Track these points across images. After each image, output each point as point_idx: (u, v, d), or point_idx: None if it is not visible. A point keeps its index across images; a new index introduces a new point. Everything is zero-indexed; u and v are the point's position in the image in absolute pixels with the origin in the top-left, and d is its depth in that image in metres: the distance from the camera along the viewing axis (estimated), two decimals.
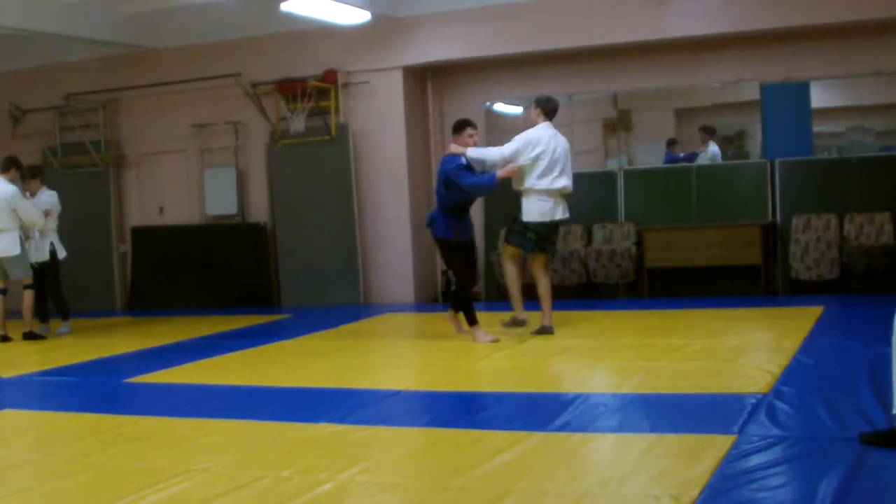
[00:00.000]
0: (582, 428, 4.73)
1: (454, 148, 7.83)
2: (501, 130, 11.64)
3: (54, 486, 4.20)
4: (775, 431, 4.43)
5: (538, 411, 5.22)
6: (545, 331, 7.85)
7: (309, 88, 11.28)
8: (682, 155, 11.09)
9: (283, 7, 10.15)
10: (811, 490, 3.54)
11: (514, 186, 7.76)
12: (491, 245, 11.29)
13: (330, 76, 11.47)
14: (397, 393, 5.95)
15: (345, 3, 10.33)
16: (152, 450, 4.74)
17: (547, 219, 7.70)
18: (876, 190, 10.04)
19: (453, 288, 8.06)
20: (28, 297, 9.49)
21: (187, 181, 12.52)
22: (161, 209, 12.67)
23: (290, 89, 11.48)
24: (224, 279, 12.07)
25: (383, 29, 11.25)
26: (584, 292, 10.63)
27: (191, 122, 12.25)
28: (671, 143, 11.23)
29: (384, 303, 11.37)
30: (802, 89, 10.43)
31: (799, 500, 3.51)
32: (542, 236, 7.77)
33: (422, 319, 10.38)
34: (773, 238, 10.35)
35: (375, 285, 11.62)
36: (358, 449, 4.56)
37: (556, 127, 7.87)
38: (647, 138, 11.47)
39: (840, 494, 3.48)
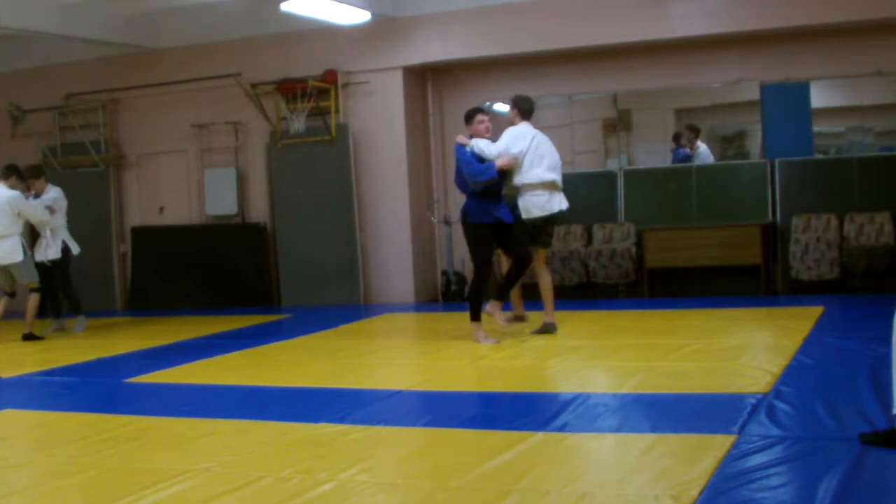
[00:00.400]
0: (582, 428, 4.73)
1: (460, 138, 7.84)
2: (501, 130, 11.66)
3: (54, 486, 4.20)
4: (775, 431, 4.43)
5: (538, 411, 5.22)
6: (547, 329, 7.82)
7: (309, 88, 11.28)
8: (687, 150, 11.08)
9: (283, 7, 10.15)
10: (811, 490, 3.54)
11: (506, 188, 7.78)
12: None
13: (330, 76, 11.47)
14: (397, 393, 5.94)
15: (345, 3, 10.33)
16: (152, 450, 4.74)
17: (546, 212, 7.72)
18: (876, 190, 10.05)
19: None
20: (33, 299, 9.49)
21: (187, 181, 12.52)
22: (161, 209, 12.67)
23: (290, 89, 11.47)
24: (224, 279, 12.07)
25: (383, 29, 11.25)
26: (584, 292, 10.63)
27: (191, 122, 12.25)
28: (677, 138, 11.22)
29: (384, 303, 11.37)
30: (802, 89, 10.43)
31: (799, 500, 3.51)
32: (539, 229, 7.79)
33: (422, 319, 10.39)
34: (773, 238, 10.35)
35: (375, 285, 11.62)
36: (358, 449, 4.56)
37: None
38: (647, 138, 11.48)
39: (840, 494, 3.48)
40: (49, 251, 9.75)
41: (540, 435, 4.59)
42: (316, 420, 5.12)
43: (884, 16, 9.64)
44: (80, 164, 12.59)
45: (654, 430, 4.58)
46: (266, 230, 12.07)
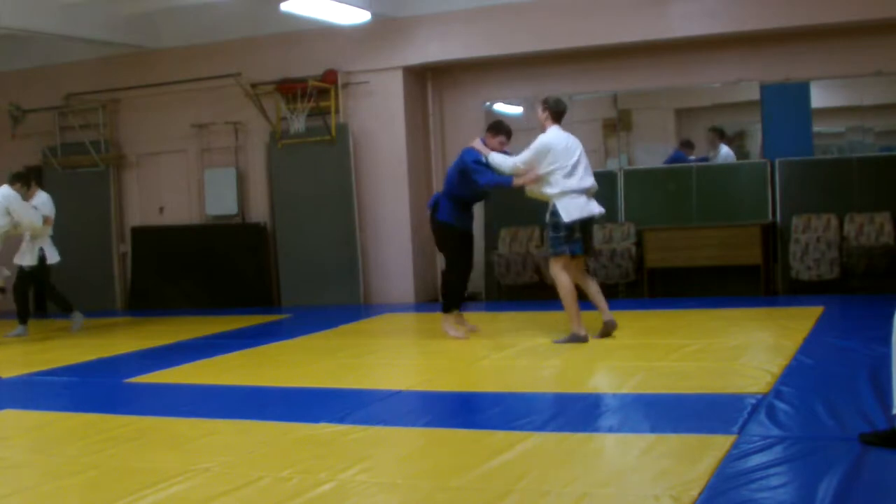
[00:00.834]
0: (582, 428, 4.73)
1: (478, 146, 7.70)
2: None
3: (54, 486, 4.20)
4: (775, 431, 4.43)
5: (538, 411, 5.22)
6: (611, 326, 7.56)
7: (309, 88, 11.28)
8: (692, 158, 11.04)
9: (283, 7, 10.15)
10: (811, 490, 3.54)
11: (528, 192, 7.64)
12: (491, 245, 11.29)
13: (330, 76, 11.47)
14: (397, 393, 5.94)
15: (345, 3, 10.33)
16: (152, 450, 4.74)
17: (586, 213, 7.45)
18: (876, 190, 10.04)
19: (442, 273, 8.04)
20: None
21: (187, 181, 12.52)
22: (161, 209, 12.67)
23: (290, 89, 11.47)
24: (224, 279, 12.07)
25: (383, 29, 11.25)
26: (582, 293, 10.60)
27: (191, 122, 12.25)
28: (685, 145, 11.15)
29: (384, 303, 11.37)
30: (802, 89, 10.43)
31: (799, 500, 3.51)
32: (585, 233, 7.54)
33: (422, 319, 10.38)
34: (773, 238, 10.35)
35: (375, 285, 11.62)
36: (358, 449, 4.56)
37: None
38: (647, 138, 11.48)
39: (840, 494, 3.48)
40: (25, 257, 9.70)
41: (540, 435, 4.59)
42: (316, 420, 5.12)
43: (884, 16, 9.64)
44: (80, 164, 12.59)
45: (654, 430, 4.58)
46: (266, 230, 12.07)
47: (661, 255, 10.42)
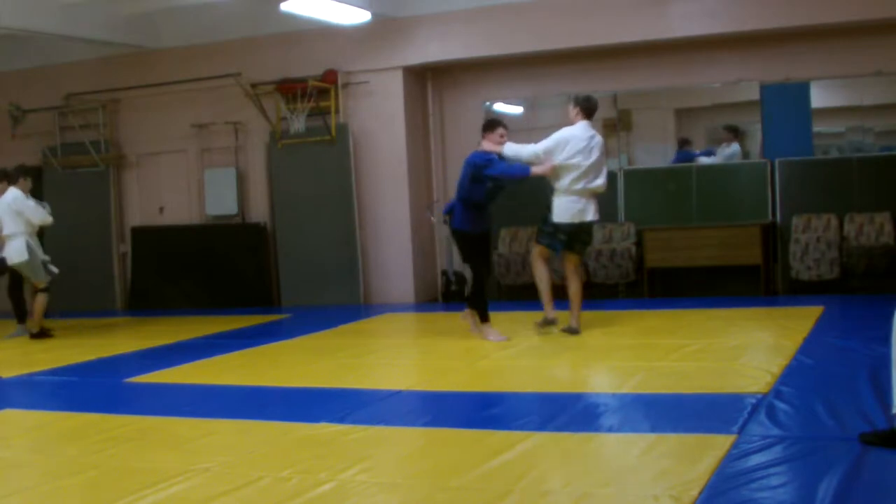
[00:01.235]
0: (582, 428, 4.74)
1: (487, 146, 7.69)
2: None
3: (54, 486, 4.20)
4: (775, 431, 4.43)
5: (538, 411, 5.22)
6: (571, 331, 7.75)
7: (309, 88, 11.28)
8: (697, 152, 11.05)
9: (283, 7, 10.15)
10: (811, 490, 3.54)
11: (552, 183, 7.68)
12: (490, 245, 11.28)
13: (330, 76, 11.47)
14: (397, 393, 5.95)
15: (345, 3, 10.33)
16: (152, 450, 4.74)
17: (577, 220, 7.60)
18: (876, 190, 10.04)
19: (469, 286, 8.03)
20: (41, 298, 9.49)
21: (187, 181, 12.52)
22: (161, 209, 12.67)
23: (290, 89, 11.47)
24: (224, 279, 12.07)
25: (383, 29, 11.25)
26: (584, 292, 10.54)
27: (191, 122, 12.25)
28: (685, 143, 11.17)
29: (384, 303, 11.37)
30: (802, 89, 10.43)
31: (799, 500, 3.51)
32: (572, 237, 7.70)
33: (422, 319, 10.39)
34: (773, 238, 10.35)
35: (375, 285, 11.62)
36: (358, 449, 4.56)
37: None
38: (647, 138, 11.47)
39: (840, 494, 3.48)
40: (15, 254, 9.59)
41: (540, 435, 4.59)
42: (316, 420, 5.12)
43: (884, 16, 9.64)
44: (80, 164, 12.59)
45: (654, 430, 4.58)
46: (266, 230, 12.07)
47: (661, 255, 10.42)
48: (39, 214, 9.53)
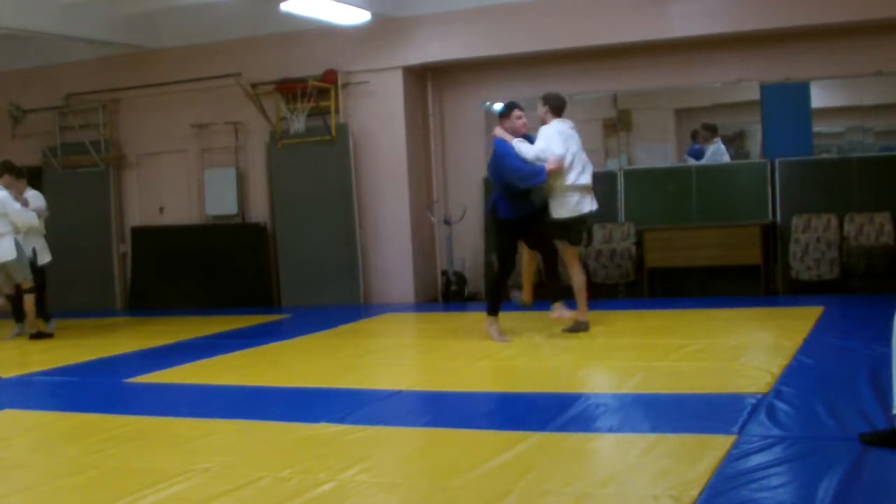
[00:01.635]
0: (582, 428, 4.74)
1: (499, 132, 7.61)
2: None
3: (54, 486, 4.20)
4: (775, 431, 4.43)
5: (538, 411, 5.21)
6: (579, 327, 7.71)
7: (309, 88, 11.28)
8: (697, 146, 11.05)
9: (283, 7, 10.15)
10: (811, 490, 3.54)
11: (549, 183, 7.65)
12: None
13: (330, 76, 11.47)
14: (397, 393, 5.95)
15: (345, 3, 10.33)
16: (152, 450, 4.74)
17: (576, 213, 7.60)
18: (876, 190, 10.04)
19: (493, 273, 7.98)
20: (28, 300, 9.46)
21: (187, 181, 12.52)
22: (161, 209, 12.67)
23: (290, 89, 11.47)
24: (224, 279, 12.07)
25: (383, 29, 11.25)
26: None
27: (191, 122, 12.25)
28: (695, 135, 11.14)
29: (384, 303, 11.37)
30: (802, 89, 10.43)
31: (799, 500, 3.51)
32: (568, 227, 7.68)
33: (422, 319, 10.39)
34: (773, 238, 10.35)
35: (375, 285, 11.62)
36: (358, 449, 4.56)
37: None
38: (647, 138, 11.47)
39: (840, 494, 3.48)
40: (6, 252, 9.58)
41: (540, 435, 4.59)
42: (316, 420, 5.12)
43: (884, 16, 9.64)
44: (80, 164, 12.59)
45: (654, 430, 4.58)
46: (266, 230, 12.07)
47: (661, 255, 10.42)
48: (24, 218, 9.41)
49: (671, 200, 10.81)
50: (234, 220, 12.23)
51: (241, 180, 12.20)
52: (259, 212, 12.17)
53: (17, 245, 9.31)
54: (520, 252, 7.95)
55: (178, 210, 12.59)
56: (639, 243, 10.58)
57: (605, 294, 10.66)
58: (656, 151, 11.29)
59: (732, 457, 4.02)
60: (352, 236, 11.47)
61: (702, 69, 10.78)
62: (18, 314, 9.75)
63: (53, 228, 10.29)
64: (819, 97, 10.47)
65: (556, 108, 7.67)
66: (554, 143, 7.50)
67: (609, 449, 4.44)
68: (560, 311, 7.68)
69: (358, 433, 4.83)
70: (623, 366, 6.48)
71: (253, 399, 6.09)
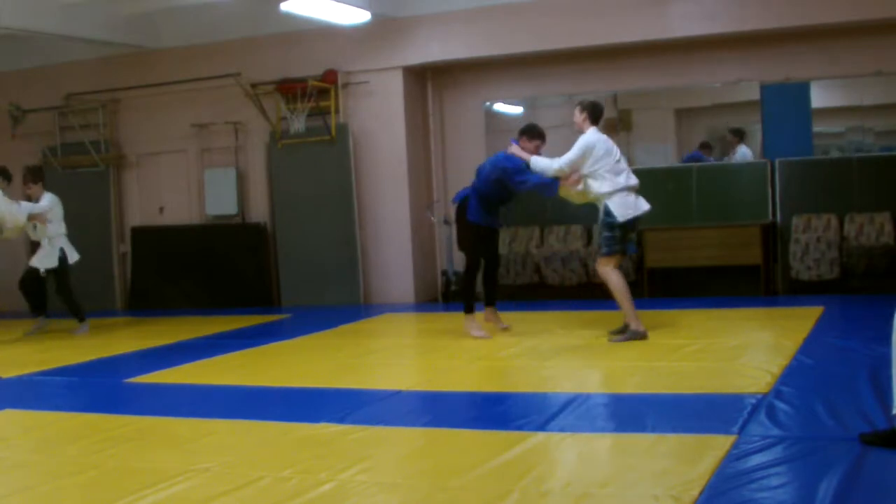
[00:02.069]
0: (582, 428, 4.74)
1: (516, 150, 7.69)
2: (501, 130, 11.65)
3: (54, 486, 4.20)
4: (775, 431, 4.43)
5: (538, 411, 5.22)
6: (636, 336, 7.49)
7: (309, 88, 11.28)
8: (712, 160, 11.02)
9: (283, 7, 10.15)
10: (811, 490, 3.54)
11: (562, 194, 7.68)
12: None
13: (330, 76, 11.47)
14: (397, 393, 5.95)
15: (345, 3, 10.33)
16: (152, 450, 4.74)
17: (638, 211, 7.54)
18: (876, 190, 10.04)
19: (458, 274, 8.13)
20: None
21: (187, 181, 12.52)
22: (161, 209, 12.67)
23: (290, 89, 11.47)
24: (224, 279, 12.07)
25: (383, 29, 11.25)
26: (584, 292, 10.62)
27: (191, 122, 12.25)
28: (704, 146, 11.11)
29: (384, 303, 11.37)
30: (802, 89, 10.43)
31: (799, 500, 3.51)
32: (626, 230, 7.60)
33: (422, 319, 10.39)
34: (773, 238, 10.35)
35: (375, 285, 11.62)
36: (358, 449, 4.56)
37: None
38: (647, 138, 11.47)
39: (840, 494, 3.48)
40: (46, 260, 9.64)
41: (540, 435, 4.59)
42: (316, 420, 5.12)
43: (884, 16, 9.64)
44: (80, 164, 12.59)
45: (654, 430, 4.58)
46: (266, 230, 12.07)
47: (661, 255, 10.42)
48: (11, 216, 9.37)
49: (671, 200, 10.80)
50: (234, 220, 12.23)
51: (241, 180, 12.20)
52: (259, 212, 12.17)
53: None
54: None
55: (178, 210, 12.58)
56: (639, 243, 10.56)
57: (605, 294, 10.63)
58: (656, 151, 11.29)
59: (732, 457, 4.02)
60: (352, 236, 11.47)
61: (702, 69, 10.77)
62: (77, 314, 9.73)
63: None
64: (819, 97, 10.47)
65: (595, 116, 7.64)
66: (584, 156, 7.43)
67: (609, 449, 4.43)
68: (489, 319, 8.05)
69: (358, 433, 4.83)
70: (623, 366, 6.48)
71: (253, 399, 6.09)
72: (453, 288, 11.35)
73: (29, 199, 9.74)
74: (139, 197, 12.78)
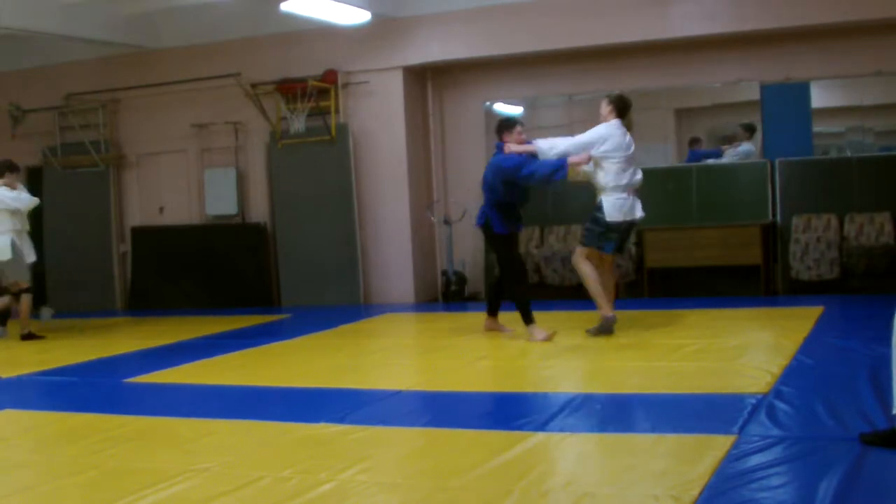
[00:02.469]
0: (582, 428, 4.74)
1: (514, 147, 7.61)
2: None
3: (54, 486, 4.20)
4: (775, 431, 4.43)
5: (538, 411, 5.22)
6: (610, 324, 7.71)
7: (309, 88, 11.28)
8: (703, 151, 11.04)
9: (283, 7, 10.15)
10: (811, 490, 3.54)
11: (571, 178, 7.65)
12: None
13: (330, 76, 11.47)
14: (397, 393, 5.95)
15: (345, 3, 10.33)
16: (152, 450, 4.74)
17: (629, 217, 7.61)
18: (876, 190, 10.04)
19: (500, 280, 8.06)
20: (25, 300, 9.45)
21: (187, 181, 12.52)
22: (161, 209, 12.67)
23: (290, 89, 11.47)
24: (224, 279, 12.07)
25: (383, 29, 11.25)
26: (585, 292, 10.59)
27: (191, 122, 12.25)
28: (694, 142, 11.17)
29: (384, 303, 11.37)
30: (802, 89, 10.43)
31: (799, 500, 3.51)
32: (622, 235, 7.69)
33: (422, 319, 10.39)
34: (773, 238, 10.35)
35: (375, 285, 11.62)
36: (358, 449, 4.56)
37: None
38: (647, 138, 11.43)
39: (840, 494, 3.48)
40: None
41: (540, 435, 4.59)
42: (316, 420, 5.12)
43: (884, 16, 9.64)
44: (80, 164, 12.59)
45: (653, 430, 4.58)
46: (266, 230, 12.07)
47: (661, 255, 10.42)
48: (21, 202, 9.33)
49: (671, 200, 10.81)
50: (234, 220, 12.23)
51: (241, 180, 12.20)
52: (259, 212, 12.17)
53: (14, 245, 9.26)
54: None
55: (178, 210, 12.58)
56: (639, 243, 10.57)
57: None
58: (656, 151, 11.27)
59: (732, 457, 4.02)
60: (352, 236, 11.47)
61: (702, 69, 10.78)
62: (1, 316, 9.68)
63: (54, 228, 10.28)
64: (819, 97, 10.47)
65: (621, 109, 7.67)
66: (596, 141, 7.48)
67: (609, 449, 4.43)
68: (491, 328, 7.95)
69: (358, 433, 4.83)
70: (623, 366, 6.49)
71: (253, 399, 6.09)
72: (453, 288, 11.35)
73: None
74: (139, 197, 12.78)
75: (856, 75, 10.24)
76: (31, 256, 9.55)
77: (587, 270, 7.70)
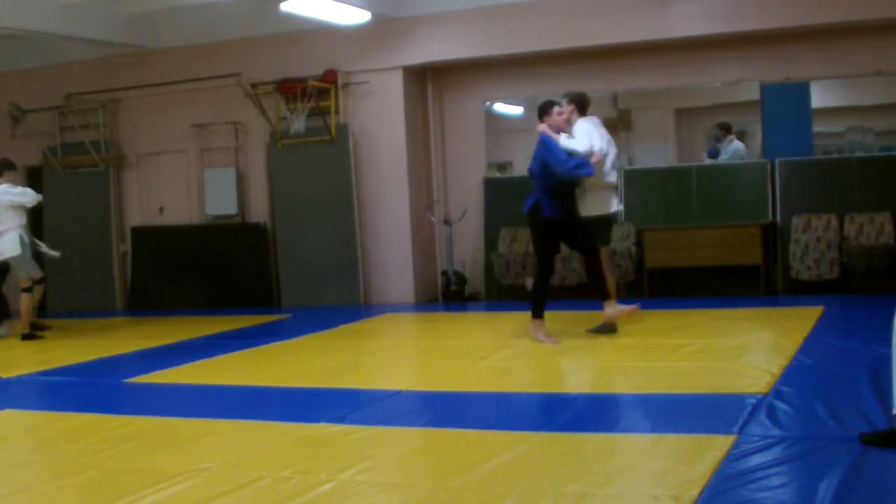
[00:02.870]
0: (582, 428, 4.74)
1: (544, 128, 7.41)
2: (501, 130, 11.67)
3: (54, 486, 4.20)
4: (775, 431, 4.43)
5: (538, 411, 5.22)
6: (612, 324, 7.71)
7: (309, 88, 11.28)
8: (713, 150, 11.06)
9: (283, 7, 10.15)
10: (811, 490, 3.54)
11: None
12: (491, 245, 11.30)
13: (330, 76, 11.47)
14: (397, 393, 5.95)
15: (345, 3, 10.33)
16: (152, 450, 4.74)
17: (608, 210, 7.64)
18: (876, 190, 10.04)
19: (532, 279, 7.95)
20: (25, 299, 9.46)
21: (187, 181, 12.51)
22: (161, 209, 12.67)
23: (290, 89, 11.47)
24: (224, 279, 12.07)
25: (383, 29, 11.25)
26: (584, 292, 10.57)
27: (191, 122, 12.25)
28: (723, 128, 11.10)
29: (384, 303, 11.37)
30: (802, 89, 10.43)
31: (799, 500, 3.51)
32: (597, 226, 7.67)
33: (422, 319, 10.39)
34: (773, 238, 10.35)
35: (375, 285, 11.62)
36: (358, 449, 4.56)
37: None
38: (647, 138, 11.47)
39: (840, 494, 3.49)
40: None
41: (540, 435, 4.59)
42: (316, 420, 5.12)
43: (884, 16, 9.64)
44: (80, 164, 12.58)
45: (653, 430, 4.58)
46: (266, 230, 12.07)
47: (661, 255, 10.42)
48: (28, 196, 9.39)
49: (671, 200, 10.81)
50: (234, 220, 12.23)
51: (241, 180, 12.20)
52: (259, 212, 12.17)
53: (22, 240, 9.30)
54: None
55: (178, 210, 12.58)
56: (639, 243, 10.58)
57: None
58: (656, 151, 11.29)
59: (732, 457, 4.02)
60: (352, 236, 11.46)
61: (702, 69, 10.77)
62: (2, 313, 9.69)
63: (54, 228, 10.27)
64: (819, 97, 10.47)
65: (581, 106, 7.68)
66: (594, 137, 7.52)
67: (609, 449, 4.44)
68: (616, 308, 7.55)
69: (358, 433, 4.83)
70: (623, 366, 6.49)
71: (253, 399, 6.09)
72: (453, 288, 11.35)
73: None
74: (139, 197, 12.78)
75: (856, 75, 10.24)
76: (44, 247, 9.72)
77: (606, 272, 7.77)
